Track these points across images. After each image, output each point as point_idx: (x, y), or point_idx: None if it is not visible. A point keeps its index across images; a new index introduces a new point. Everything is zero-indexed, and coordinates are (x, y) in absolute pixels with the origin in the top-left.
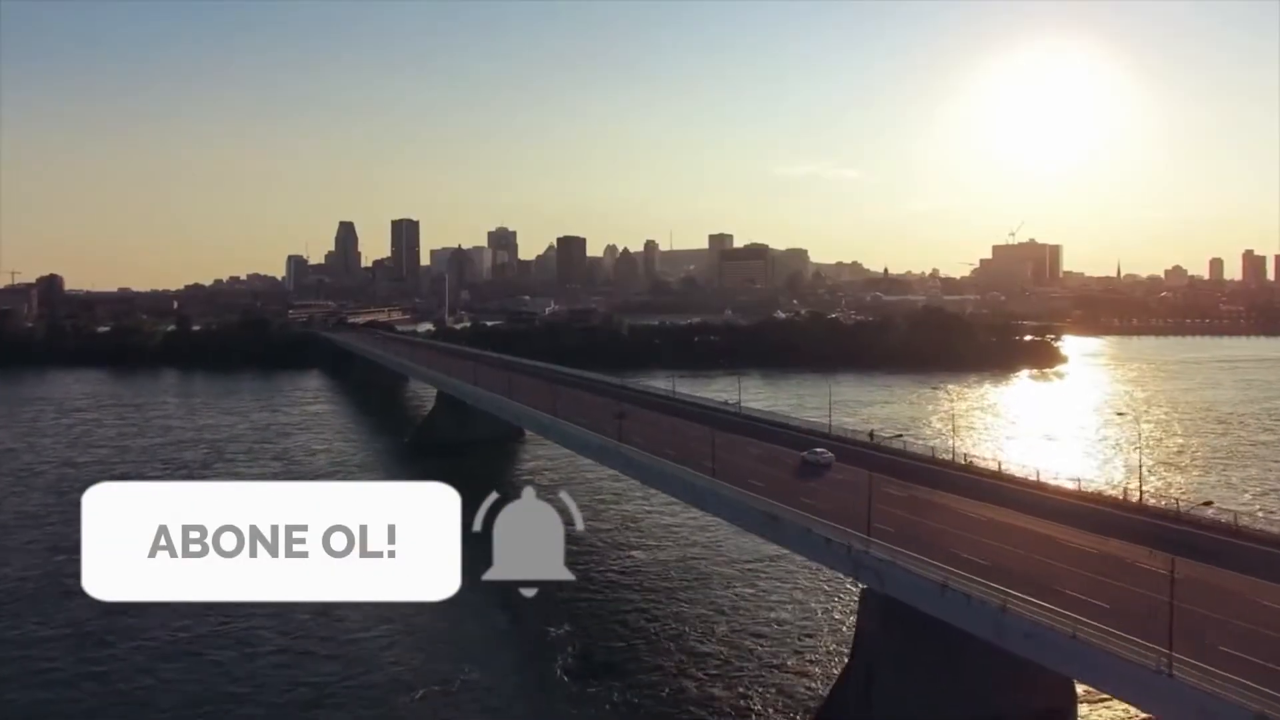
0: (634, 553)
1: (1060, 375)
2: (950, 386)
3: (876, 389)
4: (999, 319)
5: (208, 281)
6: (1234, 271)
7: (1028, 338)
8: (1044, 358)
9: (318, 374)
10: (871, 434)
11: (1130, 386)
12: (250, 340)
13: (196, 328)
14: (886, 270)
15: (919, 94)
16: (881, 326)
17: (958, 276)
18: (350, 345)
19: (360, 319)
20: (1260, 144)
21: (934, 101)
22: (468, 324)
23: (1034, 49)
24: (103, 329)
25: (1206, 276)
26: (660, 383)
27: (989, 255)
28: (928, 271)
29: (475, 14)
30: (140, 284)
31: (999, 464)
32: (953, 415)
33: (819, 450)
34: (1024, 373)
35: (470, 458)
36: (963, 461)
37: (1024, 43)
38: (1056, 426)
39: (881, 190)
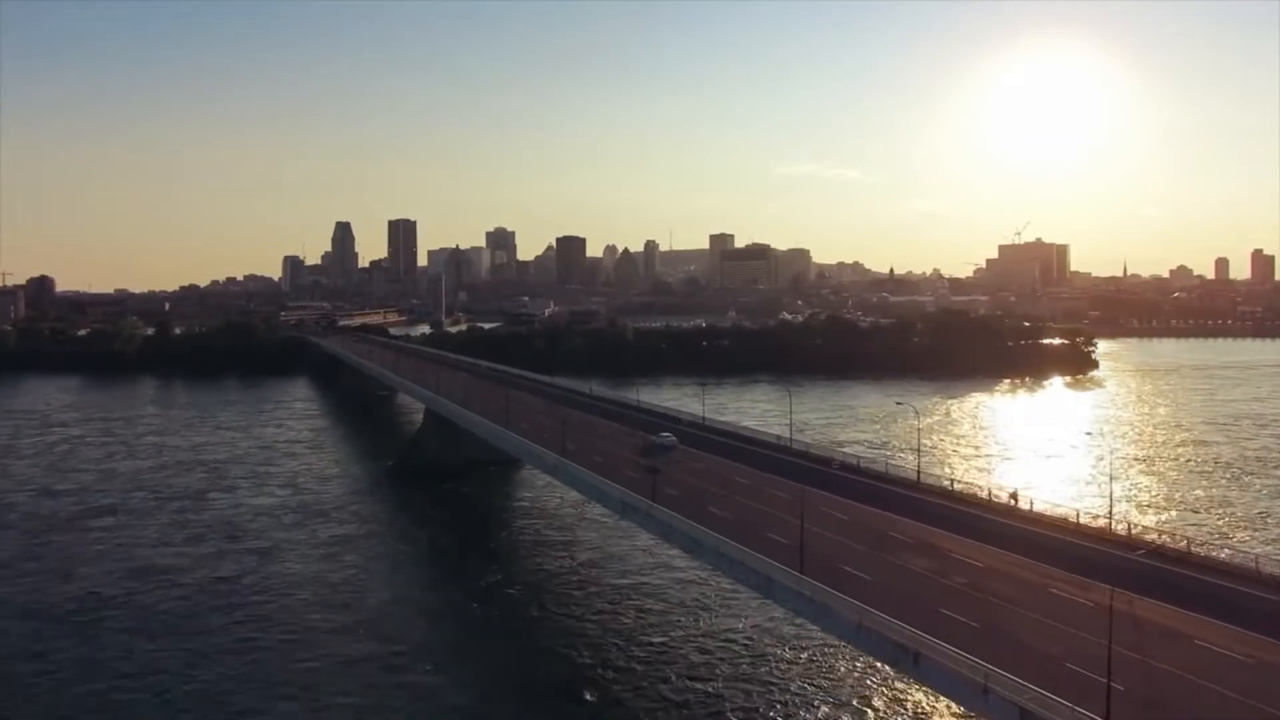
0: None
1: (1098, 383)
2: (994, 395)
3: (911, 398)
4: (1020, 321)
5: (204, 283)
6: (1239, 271)
7: (1056, 341)
8: (1074, 363)
9: (305, 382)
10: (1014, 495)
11: (1197, 398)
12: (234, 346)
13: (179, 330)
14: (892, 270)
15: (919, 94)
16: (900, 330)
17: (962, 277)
18: (337, 352)
19: (354, 321)
20: (1261, 143)
21: (934, 101)
22: (464, 327)
23: (1034, 48)
24: (82, 333)
25: (1212, 276)
26: (670, 393)
27: (994, 255)
28: (929, 271)
29: (475, 14)
30: (137, 285)
31: (1188, 544)
32: (1028, 435)
33: (664, 434)
34: (1056, 380)
35: (461, 484)
36: (1142, 534)
37: (1024, 42)
38: (1166, 452)
39: (881, 190)
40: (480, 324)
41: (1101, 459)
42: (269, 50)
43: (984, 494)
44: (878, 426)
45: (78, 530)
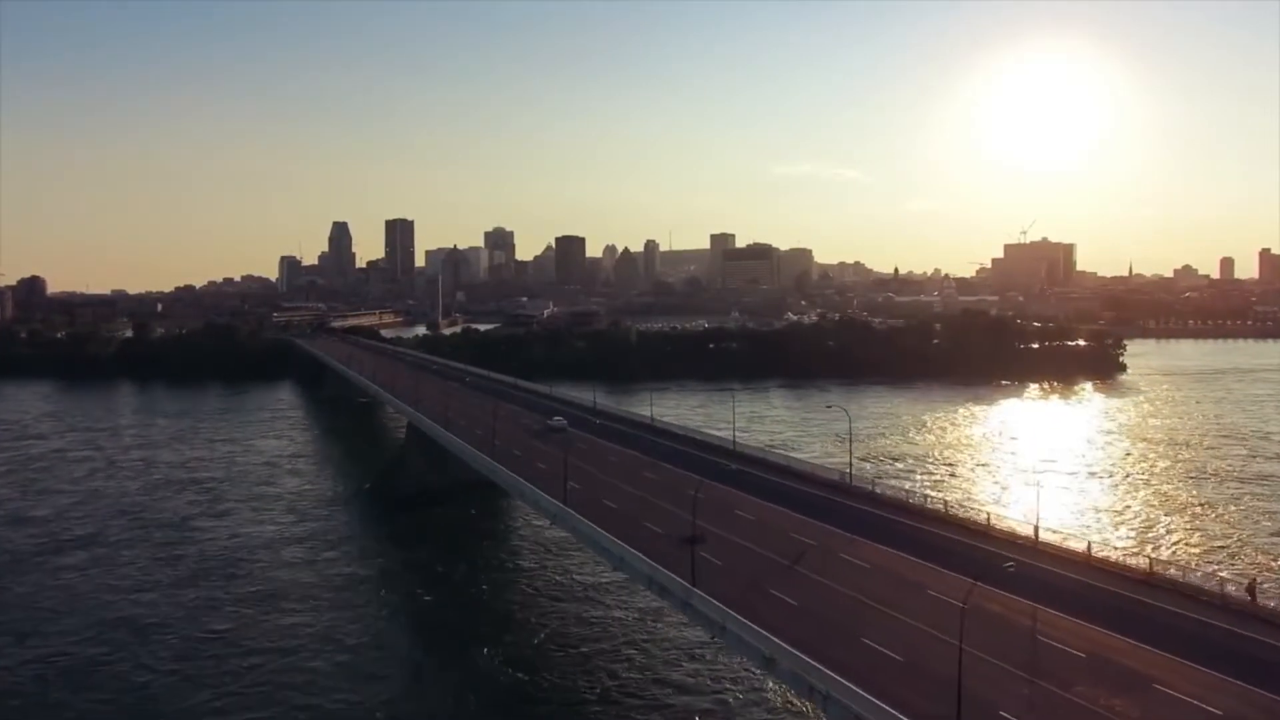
0: None
1: (1136, 388)
2: (1032, 402)
3: (941, 405)
4: (1032, 321)
5: (201, 283)
6: (1244, 270)
7: (1080, 343)
8: (1101, 366)
9: (290, 388)
10: (1252, 588)
11: (1261, 405)
12: (216, 349)
13: (161, 331)
14: (896, 270)
15: (918, 94)
16: (919, 331)
17: (964, 276)
18: (321, 356)
19: (346, 323)
20: (1261, 143)
21: (932, 101)
22: (458, 329)
23: (1033, 49)
24: (60, 335)
25: (1217, 275)
26: (684, 402)
27: (997, 254)
28: (929, 272)
29: (474, 14)
30: (135, 286)
31: None
32: (1109, 454)
33: (557, 418)
34: (1086, 385)
35: (461, 509)
36: None
37: (1023, 43)
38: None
39: (880, 190)
40: (477, 325)
41: (1205, 479)
42: (267, 51)
43: (1139, 562)
44: (929, 437)
45: (45, 570)
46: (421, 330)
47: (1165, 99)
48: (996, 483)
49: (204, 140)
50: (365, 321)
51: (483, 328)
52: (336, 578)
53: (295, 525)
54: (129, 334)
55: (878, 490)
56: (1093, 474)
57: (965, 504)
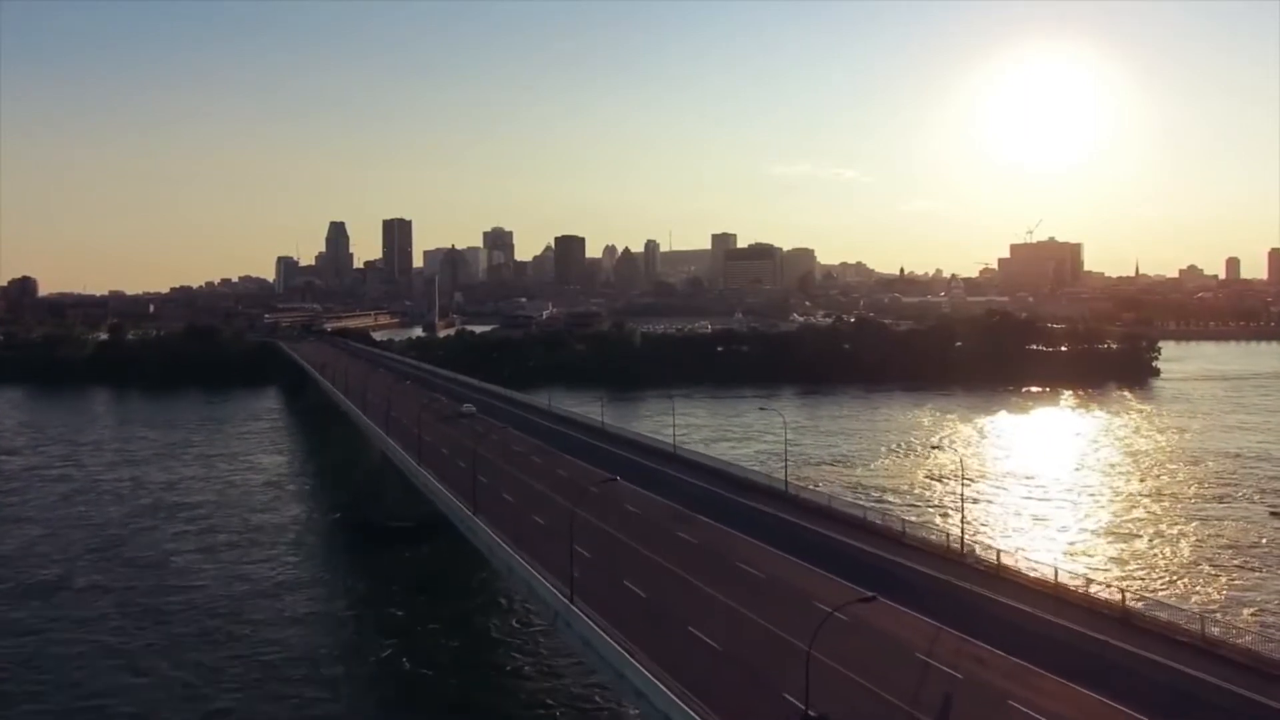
0: None
1: (1184, 396)
2: (1078, 412)
3: (976, 414)
4: (1045, 323)
5: (198, 284)
6: (1250, 270)
7: (1111, 345)
8: (1131, 371)
9: (275, 394)
10: None
11: None
12: (197, 353)
13: (140, 333)
14: (902, 270)
15: (916, 95)
16: (938, 333)
17: (969, 276)
18: (299, 361)
19: (339, 324)
20: (1261, 143)
21: (930, 102)
22: (452, 331)
23: (1033, 49)
24: (35, 337)
25: (1222, 275)
26: (704, 409)
27: (1002, 254)
28: (931, 272)
29: (473, 14)
30: (134, 287)
31: None
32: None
33: (467, 405)
34: (1125, 392)
35: (424, 555)
36: None
37: (1023, 43)
38: None
39: (879, 190)
40: (473, 327)
41: None
42: (266, 51)
43: None
44: (988, 451)
45: None
46: (418, 332)
47: (1165, 99)
48: (1122, 525)
49: (202, 140)
50: (358, 323)
51: (480, 329)
52: (348, 642)
53: (295, 568)
54: (104, 336)
55: (1004, 562)
56: (1237, 500)
57: (1167, 601)
